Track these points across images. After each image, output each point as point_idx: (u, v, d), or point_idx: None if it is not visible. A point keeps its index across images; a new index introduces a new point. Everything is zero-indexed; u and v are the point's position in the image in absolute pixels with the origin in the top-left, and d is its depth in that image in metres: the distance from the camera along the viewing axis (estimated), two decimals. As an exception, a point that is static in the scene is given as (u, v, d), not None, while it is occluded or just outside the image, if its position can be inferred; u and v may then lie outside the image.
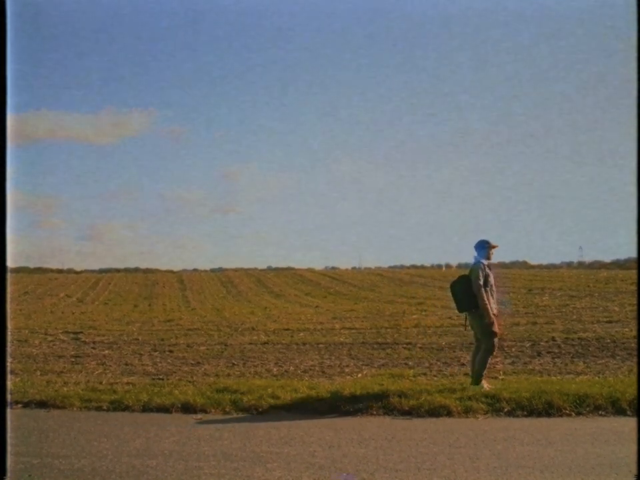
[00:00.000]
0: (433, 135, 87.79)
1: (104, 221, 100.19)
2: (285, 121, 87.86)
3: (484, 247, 5.96)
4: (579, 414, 4.93)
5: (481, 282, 5.70)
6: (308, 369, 7.98)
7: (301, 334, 12.42)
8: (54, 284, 46.30)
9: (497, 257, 6.08)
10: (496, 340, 5.74)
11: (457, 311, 6.10)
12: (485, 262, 5.88)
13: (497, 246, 6.01)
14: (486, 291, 5.70)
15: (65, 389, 6.40)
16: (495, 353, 5.87)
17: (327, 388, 5.91)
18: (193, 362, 8.82)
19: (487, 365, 5.78)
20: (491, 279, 5.85)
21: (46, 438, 4.53)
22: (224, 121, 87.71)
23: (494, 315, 5.73)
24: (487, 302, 5.65)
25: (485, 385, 5.66)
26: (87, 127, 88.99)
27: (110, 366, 8.55)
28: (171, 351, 10.13)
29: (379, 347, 9.95)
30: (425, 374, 7.21)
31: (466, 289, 5.76)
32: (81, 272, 65.17)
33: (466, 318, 5.94)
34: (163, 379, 7.17)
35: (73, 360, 9.29)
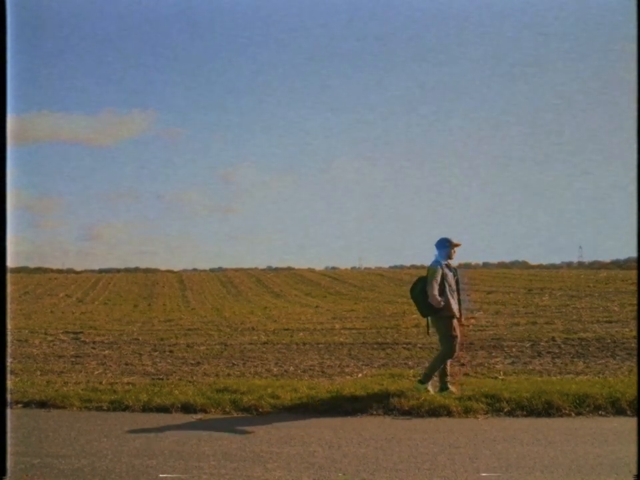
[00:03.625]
0: (433, 134, 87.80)
1: (104, 221, 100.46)
2: (284, 121, 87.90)
3: (445, 246, 5.67)
4: (578, 414, 4.92)
5: (437, 280, 5.48)
6: (308, 368, 7.98)
7: (301, 334, 12.42)
8: (54, 284, 46.31)
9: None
10: (455, 344, 5.55)
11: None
12: (444, 262, 5.65)
13: (460, 244, 5.73)
14: (444, 291, 5.51)
15: (65, 388, 6.40)
16: (454, 357, 5.68)
17: (327, 388, 5.91)
18: (193, 362, 8.81)
19: (439, 368, 5.58)
20: (450, 279, 5.61)
21: (46, 438, 4.53)
22: (223, 122, 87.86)
23: (456, 318, 5.59)
24: (435, 294, 5.42)
25: (453, 389, 5.54)
26: (87, 128, 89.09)
27: (110, 366, 8.55)
28: (171, 351, 10.13)
29: (379, 347, 9.95)
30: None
31: (425, 292, 5.52)
32: (81, 272, 65.25)
33: (428, 322, 5.73)
34: (162, 379, 7.16)
35: (73, 360, 9.29)
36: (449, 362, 5.67)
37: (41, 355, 9.87)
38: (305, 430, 4.63)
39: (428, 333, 5.87)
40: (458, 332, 5.60)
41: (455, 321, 5.60)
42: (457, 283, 5.75)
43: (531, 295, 23.38)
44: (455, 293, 5.67)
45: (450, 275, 5.65)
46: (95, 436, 4.55)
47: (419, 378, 5.76)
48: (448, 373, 5.68)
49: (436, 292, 5.48)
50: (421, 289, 5.60)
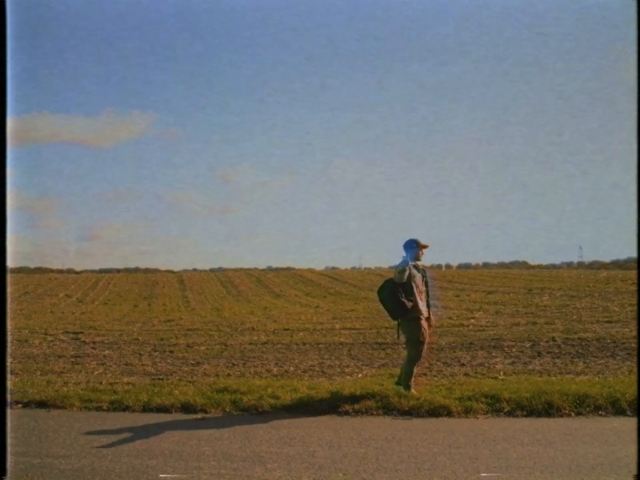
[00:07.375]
0: (433, 135, 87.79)
1: (104, 221, 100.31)
2: (284, 121, 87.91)
3: (413, 247, 5.61)
4: (578, 414, 4.92)
5: (404, 277, 5.39)
6: (308, 368, 7.98)
7: (301, 334, 12.42)
8: (54, 284, 46.31)
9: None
10: (422, 348, 5.51)
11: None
12: (412, 263, 5.57)
13: (428, 246, 5.70)
14: (412, 292, 5.46)
15: (65, 388, 6.40)
16: (421, 361, 5.65)
17: (327, 388, 5.91)
18: (193, 362, 8.82)
19: (414, 373, 5.57)
20: (418, 280, 5.57)
21: (46, 438, 4.52)
22: (223, 122, 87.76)
23: (425, 319, 5.55)
24: (402, 277, 5.36)
25: (413, 391, 5.50)
26: (87, 129, 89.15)
27: (110, 366, 8.55)
28: (171, 351, 10.13)
29: (379, 347, 9.95)
30: (425, 374, 7.20)
31: (394, 294, 5.44)
32: (81, 272, 65.29)
33: (398, 325, 5.65)
34: (162, 379, 7.17)
35: (73, 360, 9.29)
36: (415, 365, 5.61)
37: (41, 355, 9.88)
38: (305, 430, 4.63)
39: (398, 336, 5.80)
40: (426, 335, 5.55)
41: (423, 323, 5.54)
42: (426, 284, 5.73)
43: (530, 295, 23.40)
44: (424, 294, 5.65)
45: (418, 276, 5.62)
46: (94, 436, 4.55)
47: (403, 388, 5.61)
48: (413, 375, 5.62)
49: (403, 278, 5.39)
50: (389, 290, 5.51)
